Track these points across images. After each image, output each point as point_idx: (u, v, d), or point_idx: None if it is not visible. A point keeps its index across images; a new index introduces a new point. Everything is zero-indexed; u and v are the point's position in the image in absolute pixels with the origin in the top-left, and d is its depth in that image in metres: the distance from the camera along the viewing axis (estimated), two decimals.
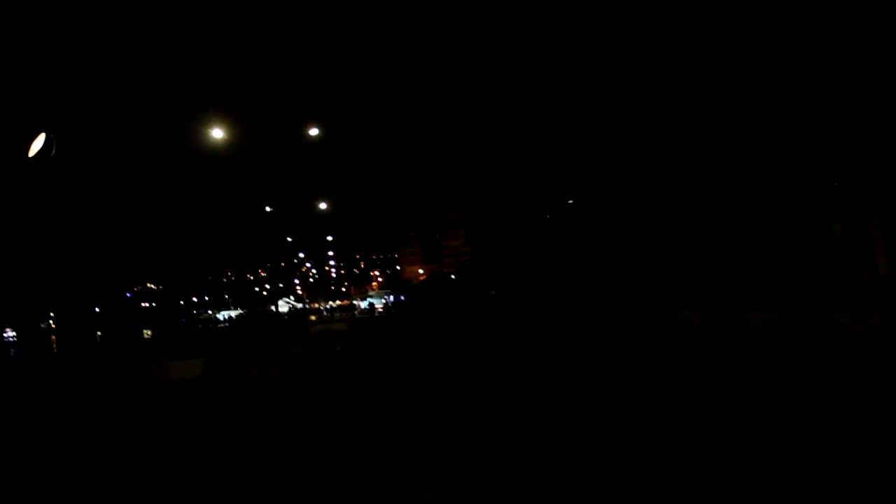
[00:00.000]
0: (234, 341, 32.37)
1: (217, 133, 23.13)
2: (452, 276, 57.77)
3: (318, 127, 27.89)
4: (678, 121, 24.41)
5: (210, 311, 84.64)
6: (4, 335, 46.23)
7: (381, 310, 58.06)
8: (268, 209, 36.54)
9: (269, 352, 27.42)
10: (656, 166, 26.91)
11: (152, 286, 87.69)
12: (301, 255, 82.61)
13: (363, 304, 64.51)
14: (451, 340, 23.12)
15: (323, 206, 42.40)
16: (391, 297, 61.73)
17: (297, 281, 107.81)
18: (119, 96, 34.33)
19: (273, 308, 65.05)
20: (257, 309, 56.64)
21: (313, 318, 61.51)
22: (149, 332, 47.05)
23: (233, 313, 79.40)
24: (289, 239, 60.06)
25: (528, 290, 34.49)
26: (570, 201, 39.51)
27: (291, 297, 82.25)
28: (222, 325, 57.14)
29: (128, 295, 66.36)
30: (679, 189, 25.20)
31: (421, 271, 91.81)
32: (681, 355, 14.16)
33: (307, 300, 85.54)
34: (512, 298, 35.12)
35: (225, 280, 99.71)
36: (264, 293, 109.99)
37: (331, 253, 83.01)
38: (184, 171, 42.89)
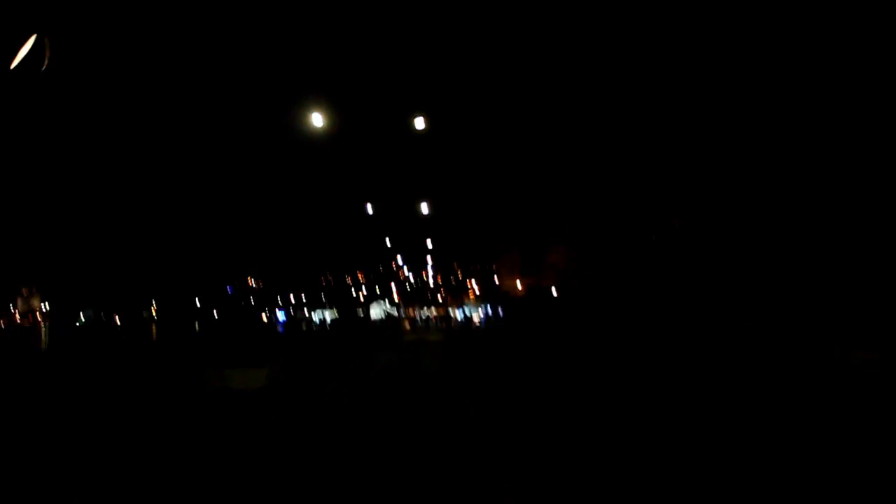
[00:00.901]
0: (310, 348, 29.67)
1: (318, 121, 21.90)
2: (553, 292, 55.24)
3: (423, 118, 26.05)
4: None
5: (305, 311, 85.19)
6: (114, 322, 47.26)
7: (477, 321, 56.02)
8: (368, 208, 35.16)
9: (351, 363, 22.45)
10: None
11: (252, 283, 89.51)
12: (399, 259, 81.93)
13: (459, 315, 62.67)
14: (555, 361, 20.51)
15: (424, 208, 40.80)
16: (489, 309, 59.75)
17: (393, 286, 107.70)
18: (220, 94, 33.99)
19: (365, 312, 64.33)
20: (348, 313, 55.65)
21: (407, 325, 60.20)
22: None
23: (328, 314, 79.57)
24: (387, 241, 59.08)
25: (637, 311, 31.84)
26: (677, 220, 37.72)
27: (386, 302, 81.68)
28: (316, 326, 56.52)
29: (228, 290, 67.36)
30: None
31: (518, 284, 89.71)
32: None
33: (402, 307, 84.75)
34: (617, 319, 32.67)
35: (323, 282, 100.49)
36: (361, 297, 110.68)
37: (429, 259, 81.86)
38: (289, 167, 42.54)
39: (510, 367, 19.59)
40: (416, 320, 71.69)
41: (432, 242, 72.70)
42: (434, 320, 67.79)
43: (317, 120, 22.25)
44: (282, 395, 13.59)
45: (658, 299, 32.49)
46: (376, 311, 67.41)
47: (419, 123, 26.69)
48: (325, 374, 18.07)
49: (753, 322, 23.78)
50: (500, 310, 52.32)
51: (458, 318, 59.58)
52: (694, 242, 32.53)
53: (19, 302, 32.85)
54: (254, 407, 12.23)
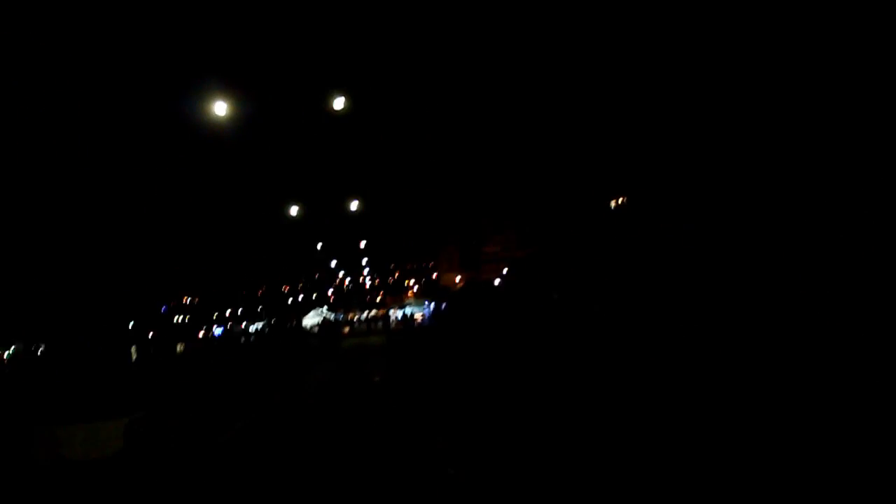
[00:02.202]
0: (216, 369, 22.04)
1: (223, 111, 21.07)
2: (496, 282, 55.15)
3: (343, 97, 24.94)
4: None
5: (244, 324, 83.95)
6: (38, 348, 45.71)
7: (420, 320, 55.87)
8: (293, 211, 34.51)
9: (272, 387, 17.10)
10: None
11: (187, 300, 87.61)
12: (334, 264, 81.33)
13: (398, 314, 62.26)
14: (520, 355, 17.57)
15: (354, 206, 40.09)
16: (431, 306, 59.34)
17: (330, 291, 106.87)
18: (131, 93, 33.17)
19: (300, 321, 63.40)
20: (278, 321, 53.82)
21: (346, 329, 59.54)
22: (181, 347, 46.06)
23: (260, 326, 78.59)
24: (319, 245, 58.46)
25: (609, 296, 29.71)
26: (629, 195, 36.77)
27: (324, 308, 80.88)
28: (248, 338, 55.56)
29: (163, 309, 65.90)
30: None
31: (458, 279, 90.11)
32: None
33: (341, 311, 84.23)
34: (583, 304, 30.81)
35: (259, 293, 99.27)
36: (297, 304, 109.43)
37: (365, 260, 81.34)
38: (214, 182, 41.91)
39: (464, 367, 16.09)
40: (356, 323, 71.18)
41: (366, 245, 72.57)
42: (374, 321, 67.57)
43: (221, 110, 21.00)
44: (148, 464, 8.61)
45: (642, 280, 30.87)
46: (313, 318, 66.15)
47: (338, 104, 25.03)
48: (226, 410, 12.72)
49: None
50: (441, 305, 51.67)
51: (398, 318, 59.40)
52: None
53: None
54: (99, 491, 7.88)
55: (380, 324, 63.08)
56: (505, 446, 7.94)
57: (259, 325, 75.86)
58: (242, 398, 14.25)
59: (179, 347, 46.56)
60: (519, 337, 22.77)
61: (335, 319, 66.95)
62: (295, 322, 54.82)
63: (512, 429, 8.76)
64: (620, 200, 40.01)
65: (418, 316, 57.09)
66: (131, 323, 45.79)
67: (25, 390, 17.90)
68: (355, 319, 74.59)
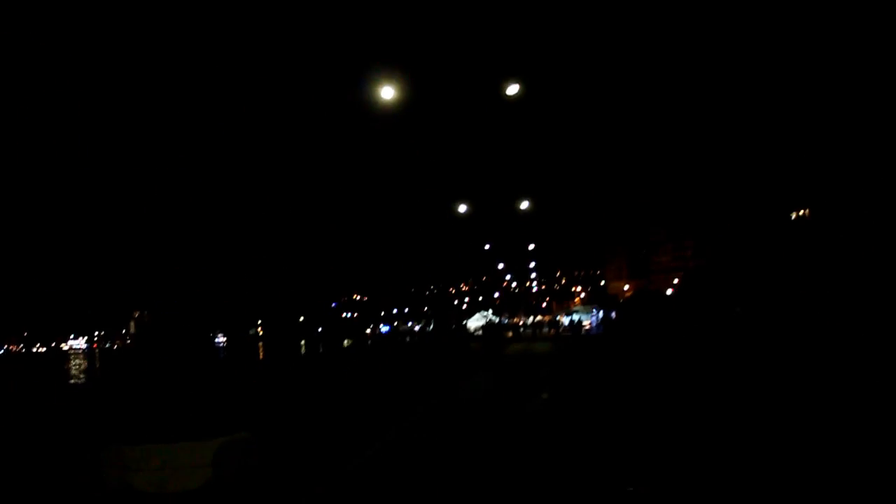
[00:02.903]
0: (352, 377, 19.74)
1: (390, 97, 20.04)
2: (668, 293, 51.75)
3: (517, 84, 23.04)
4: None
5: (410, 324, 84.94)
6: (216, 340, 47.98)
7: (588, 327, 52.85)
8: (462, 208, 33.00)
9: (422, 396, 13.82)
10: None
11: (357, 297, 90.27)
12: (501, 266, 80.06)
13: (565, 321, 59.56)
14: (704, 373, 15.10)
15: (524, 205, 37.80)
16: (600, 313, 56.20)
17: (496, 295, 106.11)
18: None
19: (463, 322, 62.38)
20: (441, 323, 51.71)
21: (510, 334, 57.31)
22: (348, 342, 46.49)
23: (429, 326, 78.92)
24: (487, 246, 57.01)
25: (800, 309, 26.63)
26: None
27: (490, 311, 79.78)
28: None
29: (333, 305, 67.81)
30: None
31: (626, 287, 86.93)
32: None
33: (507, 315, 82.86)
34: (772, 319, 27.67)
35: (427, 293, 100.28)
36: (463, 306, 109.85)
37: (532, 264, 79.38)
38: (391, 185, 41.94)
39: (644, 385, 13.80)
40: (521, 327, 68.53)
41: (535, 250, 70.62)
42: (539, 327, 65.04)
43: (389, 94, 19.82)
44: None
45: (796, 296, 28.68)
46: (477, 321, 64.77)
47: (511, 90, 23.27)
48: (361, 426, 10.02)
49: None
50: (611, 313, 48.75)
51: (565, 324, 56.61)
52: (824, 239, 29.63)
53: None
54: None
55: (545, 329, 60.66)
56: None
57: (421, 324, 76.31)
58: (386, 409, 11.74)
59: (346, 342, 47.08)
60: (704, 352, 20.68)
61: (499, 323, 65.38)
62: (455, 324, 53.45)
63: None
64: (803, 213, 38.10)
65: (586, 323, 54.07)
66: (301, 317, 46.76)
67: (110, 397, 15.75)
68: (521, 324, 72.35)
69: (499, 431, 9.09)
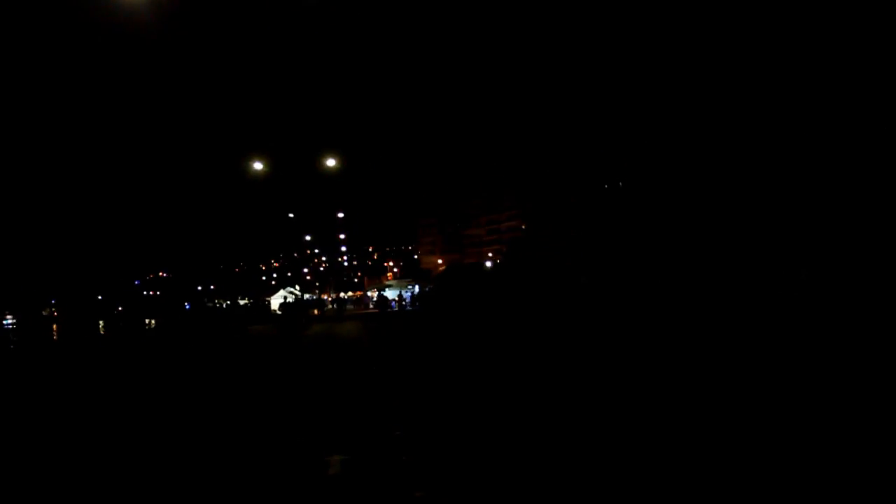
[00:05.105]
0: None
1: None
2: (487, 264, 52.54)
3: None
4: None
5: (216, 301, 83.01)
6: (4, 322, 44.87)
7: (401, 301, 53.05)
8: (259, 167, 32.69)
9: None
10: None
11: (162, 274, 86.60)
12: (308, 238, 78.35)
13: (375, 297, 59.22)
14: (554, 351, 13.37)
15: (330, 163, 35.91)
16: (415, 288, 55.72)
17: (305, 270, 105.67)
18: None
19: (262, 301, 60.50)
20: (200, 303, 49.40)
21: (315, 311, 52.73)
22: (152, 322, 45.45)
23: (241, 302, 77.28)
24: (291, 215, 55.98)
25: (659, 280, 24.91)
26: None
27: (297, 287, 78.05)
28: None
29: (136, 283, 65.08)
30: None
31: (440, 262, 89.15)
32: None
33: (317, 291, 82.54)
34: (626, 289, 25.98)
35: (237, 270, 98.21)
36: (272, 283, 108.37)
37: (342, 236, 78.42)
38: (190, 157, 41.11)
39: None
40: (327, 305, 64.65)
41: (345, 226, 71.04)
42: (348, 303, 65.01)
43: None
44: None
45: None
46: (279, 299, 59.79)
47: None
48: None
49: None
50: (427, 288, 48.85)
51: (374, 300, 57.11)
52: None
53: None
54: None
55: (349, 306, 60.44)
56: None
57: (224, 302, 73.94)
58: None
59: (149, 322, 45.96)
60: (542, 323, 19.84)
61: (302, 299, 56.05)
62: (254, 302, 51.61)
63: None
64: (617, 184, 38.05)
65: (396, 297, 54.95)
66: (99, 297, 45.06)
67: None
68: (329, 300, 71.22)
69: None
